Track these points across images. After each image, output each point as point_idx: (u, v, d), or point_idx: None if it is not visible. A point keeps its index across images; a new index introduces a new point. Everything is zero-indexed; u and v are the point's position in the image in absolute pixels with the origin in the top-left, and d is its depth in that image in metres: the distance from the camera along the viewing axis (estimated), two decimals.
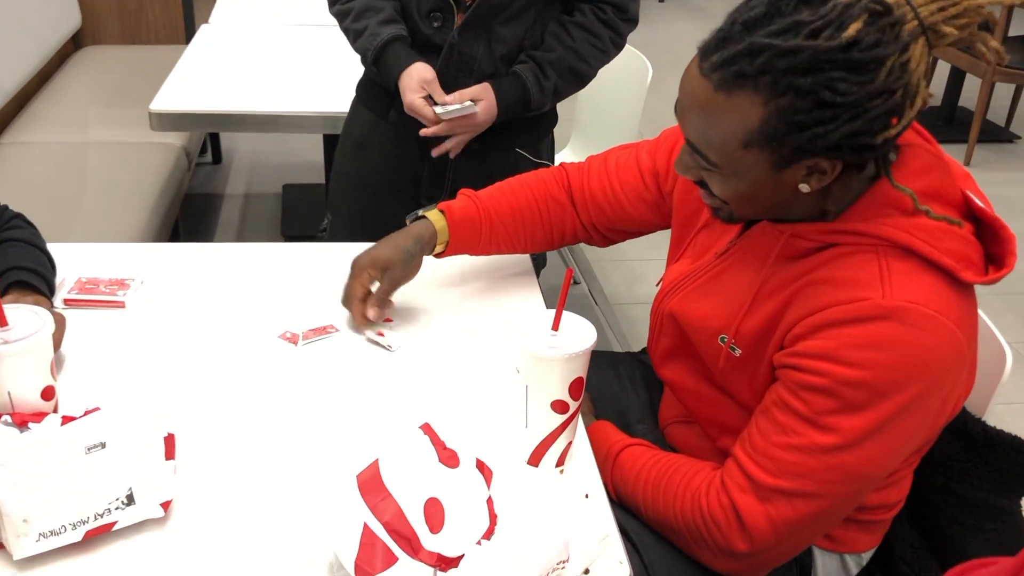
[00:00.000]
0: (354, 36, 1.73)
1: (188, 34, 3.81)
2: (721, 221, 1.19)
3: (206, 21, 2.89)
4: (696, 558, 1.19)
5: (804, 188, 1.06)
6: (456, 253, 1.45)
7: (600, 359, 1.54)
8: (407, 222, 1.41)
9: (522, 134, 1.81)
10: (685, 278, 1.29)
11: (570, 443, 1.13)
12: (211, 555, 0.98)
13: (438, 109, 1.64)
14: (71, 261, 1.46)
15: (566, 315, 1.08)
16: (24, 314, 1.05)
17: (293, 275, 1.36)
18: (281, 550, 1.00)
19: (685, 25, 6.26)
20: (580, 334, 1.07)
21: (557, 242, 1.50)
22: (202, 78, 2.41)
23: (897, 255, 1.06)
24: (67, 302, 1.39)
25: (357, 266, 1.37)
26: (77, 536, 0.95)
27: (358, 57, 1.75)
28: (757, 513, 1.10)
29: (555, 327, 1.07)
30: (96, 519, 0.96)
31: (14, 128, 2.91)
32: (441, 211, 1.41)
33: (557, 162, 1.67)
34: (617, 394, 1.51)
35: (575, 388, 1.07)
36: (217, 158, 3.87)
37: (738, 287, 1.19)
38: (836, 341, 1.05)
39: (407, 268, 1.38)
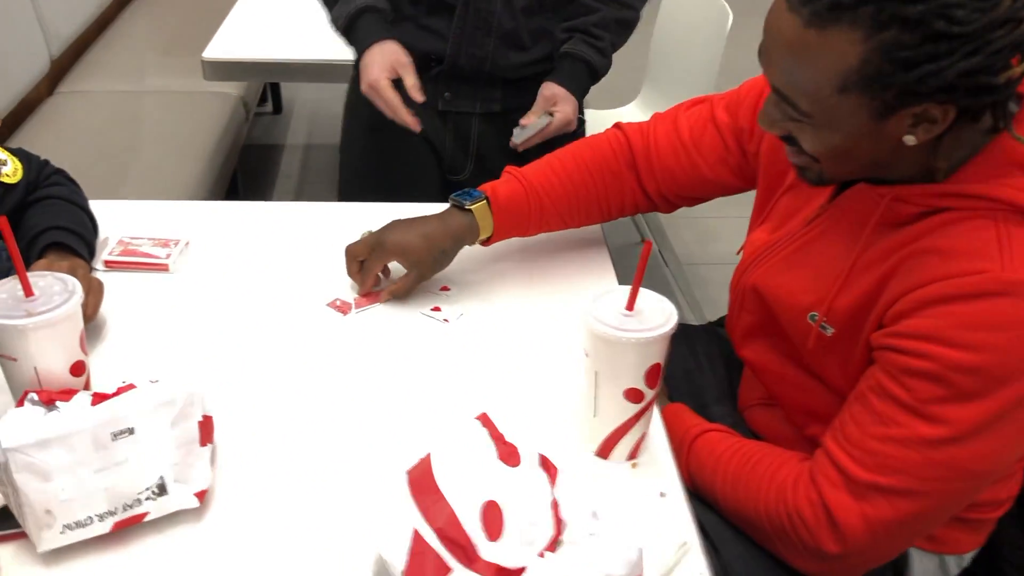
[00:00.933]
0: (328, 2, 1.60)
1: None
2: (808, 183, 1.05)
3: None
4: (780, 557, 1.08)
5: (910, 141, 0.92)
6: (503, 239, 1.33)
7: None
8: (450, 202, 1.29)
9: (522, 96, 1.67)
10: (769, 248, 1.16)
11: (644, 434, 1.02)
12: (248, 550, 0.90)
13: (516, 138, 1.58)
14: (115, 220, 1.38)
15: (643, 293, 0.96)
16: (51, 283, 0.97)
17: (349, 237, 1.27)
18: (323, 547, 0.91)
19: None
20: (659, 315, 0.95)
21: (615, 214, 1.37)
22: (258, 25, 2.32)
23: (1018, 221, 0.92)
24: (108, 264, 1.31)
25: (382, 249, 1.25)
26: (105, 528, 0.87)
27: None
28: (851, 511, 0.98)
29: (630, 307, 0.95)
30: (125, 510, 0.88)
31: (71, 77, 2.85)
32: (486, 198, 1.28)
33: (592, 117, 1.52)
34: (692, 372, 1.39)
35: (651, 376, 0.96)
36: (278, 107, 3.78)
37: (830, 258, 1.06)
38: (945, 320, 0.92)
39: (436, 266, 1.27)
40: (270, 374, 1.13)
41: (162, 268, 1.31)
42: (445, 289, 1.30)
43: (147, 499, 0.88)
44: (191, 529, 0.92)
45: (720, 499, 1.11)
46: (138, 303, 1.25)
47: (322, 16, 1.63)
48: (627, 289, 0.97)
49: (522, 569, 0.80)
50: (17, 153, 1.28)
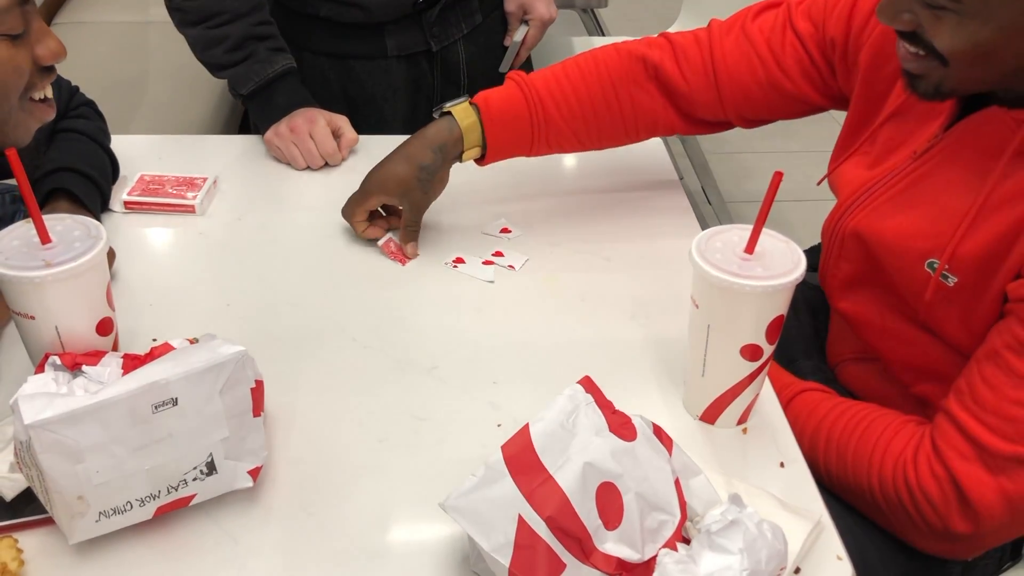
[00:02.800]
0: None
1: None
2: (920, 96, 0.90)
3: None
4: (899, 536, 0.95)
5: None
6: (501, 158, 1.15)
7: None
8: (434, 117, 1.13)
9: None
10: (870, 187, 1.02)
11: (757, 396, 0.89)
12: (309, 535, 0.77)
13: (503, 66, 1.58)
14: (133, 156, 1.24)
15: (765, 233, 0.82)
16: (71, 227, 0.82)
17: None
18: (395, 529, 0.78)
19: None
20: (785, 260, 0.81)
21: (643, 134, 1.19)
22: None
23: None
24: (127, 205, 1.17)
25: (364, 190, 1.11)
26: (147, 514, 0.75)
27: None
28: (987, 487, 0.85)
29: (750, 249, 0.81)
30: (169, 492, 0.75)
31: (69, 6, 2.68)
32: (474, 104, 1.11)
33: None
34: None
35: (773, 330, 0.82)
36: None
37: (952, 197, 0.92)
38: None
39: (428, 188, 1.10)
40: (319, 330, 1.00)
41: (188, 209, 1.17)
42: (506, 231, 1.15)
43: (194, 480, 0.76)
44: (244, 511, 0.79)
45: (823, 467, 0.99)
46: (163, 249, 1.12)
47: None
48: (745, 228, 0.83)
49: (650, 563, 0.67)
50: None
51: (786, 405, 1.01)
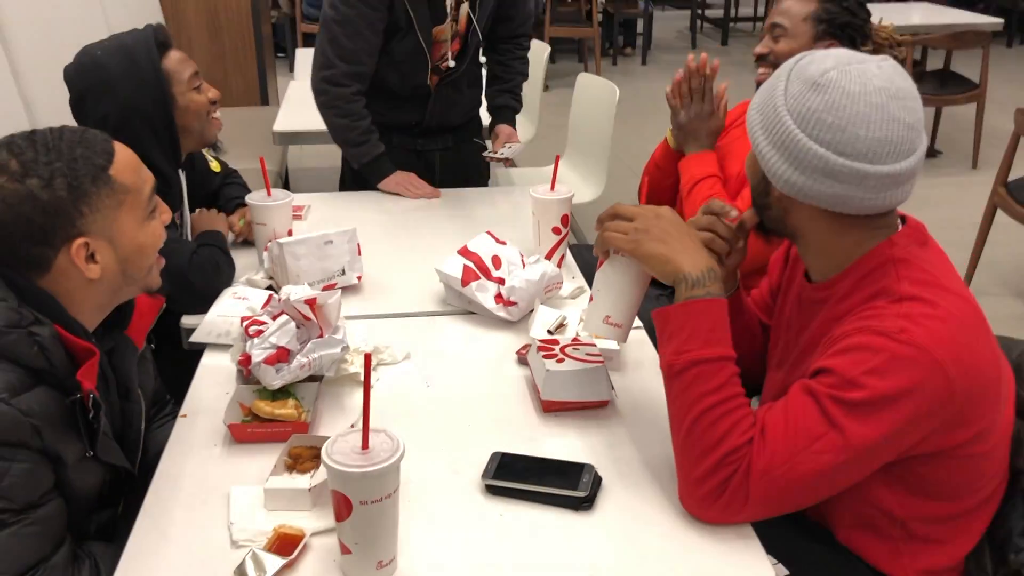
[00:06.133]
0: (351, 140, 2.54)
1: (263, 98, 4.91)
2: None
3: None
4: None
5: None
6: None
7: None
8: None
9: (474, 131, 2.81)
10: None
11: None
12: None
13: (506, 153, 2.57)
14: None
15: None
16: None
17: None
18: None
19: (664, 83, 7.40)
20: None
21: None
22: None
23: None
24: None
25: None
26: (317, 287, 1.92)
27: None
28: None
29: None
30: (329, 279, 1.93)
31: None
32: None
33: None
34: None
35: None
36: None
37: None
38: None
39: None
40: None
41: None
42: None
43: (340, 275, 1.94)
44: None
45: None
46: None
47: None
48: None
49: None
50: (216, 158, 2.37)
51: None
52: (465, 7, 2.51)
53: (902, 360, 1.20)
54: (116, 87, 1.89)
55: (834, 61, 1.27)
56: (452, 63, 2.57)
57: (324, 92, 2.47)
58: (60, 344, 1.24)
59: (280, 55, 7.46)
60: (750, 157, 1.39)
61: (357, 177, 2.66)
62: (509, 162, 2.72)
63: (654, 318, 1.38)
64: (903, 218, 1.37)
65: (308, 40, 7.25)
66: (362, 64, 2.45)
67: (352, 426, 1.28)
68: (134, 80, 1.90)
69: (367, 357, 1.19)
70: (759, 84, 2.03)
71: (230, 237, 2.16)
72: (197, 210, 2.20)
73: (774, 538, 1.31)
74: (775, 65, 2.04)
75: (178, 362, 1.79)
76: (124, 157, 1.33)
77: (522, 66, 2.78)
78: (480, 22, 2.55)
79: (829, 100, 1.24)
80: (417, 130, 2.69)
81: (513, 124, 2.76)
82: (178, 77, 1.97)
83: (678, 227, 1.39)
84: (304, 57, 4.08)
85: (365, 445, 1.14)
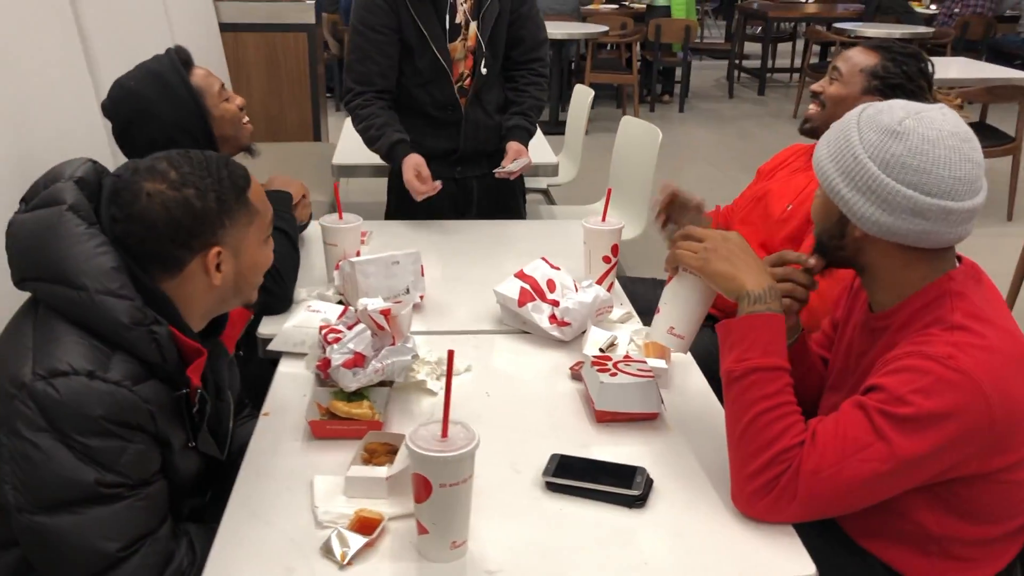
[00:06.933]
0: (372, 137, 2.72)
1: (316, 134, 5.11)
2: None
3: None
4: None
5: None
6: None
7: None
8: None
9: (497, 161, 2.89)
10: None
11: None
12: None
13: (513, 167, 2.68)
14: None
15: None
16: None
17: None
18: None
19: (701, 130, 7.57)
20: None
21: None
22: None
23: None
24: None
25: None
26: (387, 303, 2.06)
27: None
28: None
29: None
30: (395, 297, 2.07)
31: None
32: None
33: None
34: None
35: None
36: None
37: None
38: None
39: None
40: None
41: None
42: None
43: (405, 294, 2.07)
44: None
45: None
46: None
47: None
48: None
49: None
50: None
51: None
52: (474, 25, 2.71)
53: (947, 383, 1.30)
54: (156, 111, 1.99)
55: (903, 110, 1.39)
56: (469, 79, 2.77)
57: (350, 112, 2.77)
58: (173, 343, 1.38)
59: (328, 94, 7.71)
60: (819, 205, 1.51)
61: (402, 206, 2.83)
62: (515, 174, 2.75)
63: (718, 330, 1.51)
64: (959, 258, 1.50)
65: None
66: (374, 85, 2.73)
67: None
68: (170, 101, 2.00)
69: (450, 353, 1.31)
70: (807, 119, 2.16)
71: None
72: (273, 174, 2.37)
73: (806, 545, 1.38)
74: (823, 104, 2.18)
75: (247, 368, 1.94)
76: (256, 185, 1.50)
77: (537, 91, 2.92)
78: (484, 35, 2.72)
79: (911, 146, 1.36)
80: (454, 157, 2.85)
81: (525, 143, 2.86)
82: (209, 91, 2.08)
83: (743, 249, 1.52)
84: None
85: (444, 434, 1.27)
